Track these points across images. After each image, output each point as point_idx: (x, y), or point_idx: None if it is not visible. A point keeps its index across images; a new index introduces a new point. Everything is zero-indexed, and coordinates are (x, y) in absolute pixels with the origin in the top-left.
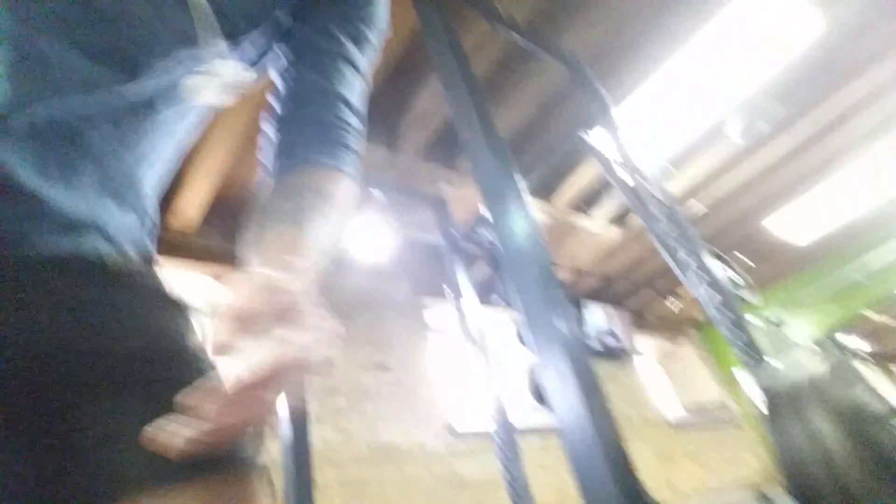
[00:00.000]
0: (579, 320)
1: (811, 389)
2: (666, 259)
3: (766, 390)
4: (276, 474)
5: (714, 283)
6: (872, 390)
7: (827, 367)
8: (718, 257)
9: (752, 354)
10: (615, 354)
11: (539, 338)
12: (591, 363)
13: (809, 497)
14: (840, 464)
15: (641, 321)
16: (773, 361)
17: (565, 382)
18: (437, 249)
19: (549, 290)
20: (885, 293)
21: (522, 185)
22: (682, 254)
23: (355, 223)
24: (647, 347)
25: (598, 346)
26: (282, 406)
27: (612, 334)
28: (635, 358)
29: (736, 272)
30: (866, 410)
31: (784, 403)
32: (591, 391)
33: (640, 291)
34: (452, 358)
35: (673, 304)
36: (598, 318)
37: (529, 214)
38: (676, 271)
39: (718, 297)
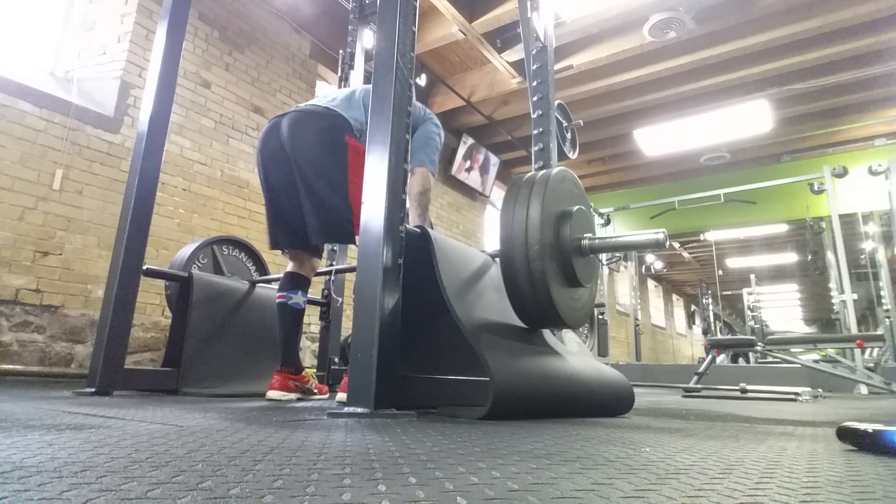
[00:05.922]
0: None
1: (539, 180)
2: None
3: (513, 182)
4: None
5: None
6: (574, 194)
7: (558, 171)
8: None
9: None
10: (471, 191)
11: (374, 116)
12: (403, 165)
13: (506, 251)
14: (532, 234)
15: (507, 175)
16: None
17: (376, 168)
18: (346, 16)
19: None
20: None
21: None
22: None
23: None
24: (500, 198)
25: (459, 177)
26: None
27: (473, 171)
28: (488, 205)
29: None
30: (561, 206)
31: (518, 189)
32: (395, 185)
33: (514, 147)
34: None
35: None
36: (469, 153)
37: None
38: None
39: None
